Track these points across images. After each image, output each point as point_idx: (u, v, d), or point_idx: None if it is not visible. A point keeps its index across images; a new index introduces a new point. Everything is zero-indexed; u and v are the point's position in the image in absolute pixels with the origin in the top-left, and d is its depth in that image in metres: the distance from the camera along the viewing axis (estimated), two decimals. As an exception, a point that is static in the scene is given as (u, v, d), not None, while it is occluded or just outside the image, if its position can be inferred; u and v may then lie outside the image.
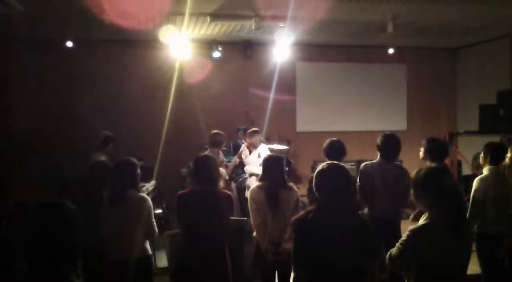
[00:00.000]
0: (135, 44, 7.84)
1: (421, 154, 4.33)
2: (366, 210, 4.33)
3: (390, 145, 4.25)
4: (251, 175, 5.74)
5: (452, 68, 9.45)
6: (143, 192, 4.17)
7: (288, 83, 8.63)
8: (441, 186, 2.40)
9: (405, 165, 4.98)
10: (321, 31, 7.33)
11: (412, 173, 2.59)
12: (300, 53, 8.34)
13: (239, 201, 5.76)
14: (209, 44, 7.89)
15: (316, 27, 7.03)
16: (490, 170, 3.95)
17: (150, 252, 3.52)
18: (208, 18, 6.32)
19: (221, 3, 5.72)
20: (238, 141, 7.02)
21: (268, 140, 7.69)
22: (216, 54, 7.84)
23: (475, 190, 3.93)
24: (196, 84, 7.94)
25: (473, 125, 7.54)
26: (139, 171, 3.53)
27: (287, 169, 6.96)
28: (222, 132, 5.60)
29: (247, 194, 3.99)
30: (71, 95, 7.66)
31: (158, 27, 6.52)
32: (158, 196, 6.22)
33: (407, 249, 2.36)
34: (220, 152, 5.69)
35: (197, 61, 7.88)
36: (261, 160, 6.05)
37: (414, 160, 8.10)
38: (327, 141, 4.41)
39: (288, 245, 3.03)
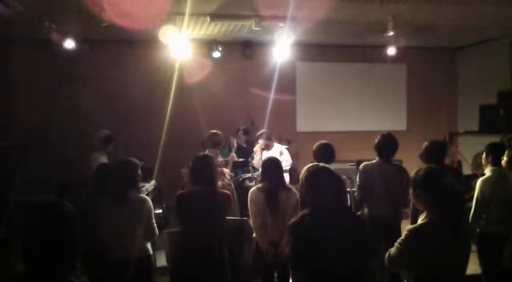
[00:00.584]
0: (135, 44, 7.84)
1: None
2: (366, 210, 4.34)
3: (388, 144, 4.26)
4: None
5: (452, 68, 9.45)
6: (143, 192, 4.18)
7: (288, 83, 8.63)
8: (440, 186, 2.40)
9: (405, 165, 5.00)
10: (321, 31, 7.33)
11: (412, 173, 2.59)
12: (300, 53, 8.34)
13: (238, 201, 5.76)
14: (209, 44, 7.89)
15: (316, 27, 7.03)
16: (493, 171, 3.93)
17: (150, 252, 3.52)
18: (208, 18, 6.32)
19: (221, 3, 5.72)
20: (239, 140, 7.03)
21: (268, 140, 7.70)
22: (216, 54, 7.84)
23: (480, 192, 3.90)
24: (196, 84, 7.94)
25: (473, 125, 7.55)
26: (140, 171, 3.53)
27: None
28: (220, 132, 5.61)
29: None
30: (71, 95, 7.66)
31: (158, 27, 6.52)
32: (158, 196, 6.21)
33: (406, 248, 2.36)
34: (219, 152, 5.70)
35: (197, 61, 7.88)
36: (283, 157, 6.27)
37: (414, 160, 8.10)
38: (318, 143, 4.38)
39: (287, 250, 3.04)
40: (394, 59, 8.65)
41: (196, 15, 6.27)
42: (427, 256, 2.32)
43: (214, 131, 5.62)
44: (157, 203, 6.05)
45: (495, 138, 5.48)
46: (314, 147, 4.37)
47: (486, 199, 3.86)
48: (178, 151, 7.06)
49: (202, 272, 3.26)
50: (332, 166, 4.90)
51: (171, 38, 6.63)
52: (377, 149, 4.30)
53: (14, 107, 7.56)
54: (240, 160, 6.70)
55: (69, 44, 6.97)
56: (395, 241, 2.44)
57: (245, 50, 8.38)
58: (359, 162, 5.91)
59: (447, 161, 7.09)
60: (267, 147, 6.47)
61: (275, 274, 3.82)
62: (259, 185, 3.75)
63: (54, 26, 6.41)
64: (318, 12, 6.03)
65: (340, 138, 7.82)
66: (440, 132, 7.58)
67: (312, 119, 8.80)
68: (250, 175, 6.84)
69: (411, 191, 2.52)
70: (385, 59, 8.59)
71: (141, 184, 4.29)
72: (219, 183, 3.74)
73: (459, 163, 7.74)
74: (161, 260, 5.11)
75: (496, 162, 3.95)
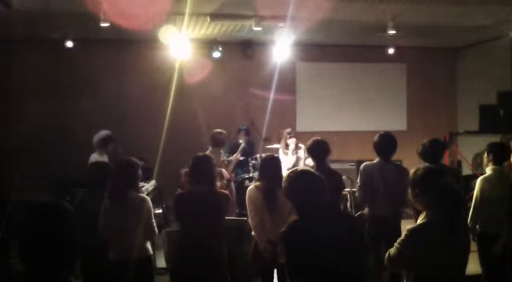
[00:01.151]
0: (135, 44, 7.84)
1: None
2: (366, 210, 4.34)
3: (386, 143, 4.26)
4: None
5: (452, 68, 9.45)
6: (143, 192, 4.18)
7: (288, 83, 8.63)
8: (439, 185, 2.40)
9: (405, 165, 4.99)
10: (321, 31, 7.33)
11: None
12: (300, 53, 8.34)
13: (237, 202, 5.76)
14: (209, 44, 7.89)
15: (316, 27, 7.03)
16: (494, 170, 3.92)
17: (150, 252, 3.52)
18: (208, 18, 6.32)
19: (221, 3, 5.72)
20: (239, 140, 7.02)
21: (268, 140, 7.70)
22: (216, 54, 7.84)
23: (479, 190, 3.90)
24: (196, 84, 7.94)
25: (473, 125, 7.55)
26: (140, 171, 3.53)
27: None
28: (224, 131, 5.61)
29: None
30: (71, 95, 7.66)
31: (158, 27, 6.52)
32: (158, 196, 6.21)
33: (406, 248, 2.36)
34: (222, 151, 5.70)
35: (197, 61, 7.88)
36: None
37: (414, 160, 8.10)
38: (311, 140, 4.36)
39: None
40: (394, 59, 8.67)
41: (196, 15, 6.27)
42: (427, 256, 2.31)
43: (219, 130, 5.62)
44: (157, 203, 6.05)
45: (495, 139, 5.48)
46: (308, 143, 4.35)
47: (486, 198, 3.86)
48: (178, 150, 7.06)
49: (202, 272, 3.26)
50: (333, 166, 4.95)
51: (171, 38, 6.64)
52: (375, 148, 4.31)
53: (14, 107, 7.56)
54: (241, 158, 6.69)
55: (69, 44, 6.98)
56: (395, 241, 2.44)
57: (245, 50, 8.38)
58: (359, 162, 5.91)
59: (447, 161, 7.10)
60: (297, 147, 6.43)
61: (275, 273, 3.82)
62: (257, 183, 3.75)
63: (54, 26, 6.41)
64: (318, 12, 6.02)
65: (340, 138, 7.83)
66: (440, 132, 7.57)
67: (312, 119, 8.79)
68: (251, 174, 6.83)
69: (409, 191, 2.52)
70: (385, 59, 8.60)
71: (141, 184, 4.29)
72: (218, 183, 3.73)
73: (459, 163, 7.74)
74: (161, 260, 5.10)
75: (496, 161, 3.95)
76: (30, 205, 1.69)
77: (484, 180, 3.92)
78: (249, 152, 7.12)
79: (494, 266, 3.85)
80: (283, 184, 2.57)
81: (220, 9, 6.00)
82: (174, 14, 6.12)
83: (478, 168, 6.97)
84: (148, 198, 3.50)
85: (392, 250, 2.44)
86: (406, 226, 2.47)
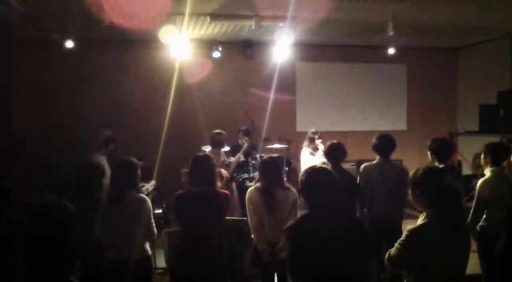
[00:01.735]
0: (135, 44, 7.84)
1: (429, 156, 4.33)
2: (366, 210, 4.35)
3: (384, 144, 4.28)
4: None
5: (452, 68, 9.45)
6: (143, 192, 4.17)
7: (288, 83, 8.63)
8: (439, 186, 2.40)
9: (405, 165, 4.99)
10: (321, 31, 7.33)
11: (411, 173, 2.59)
12: (300, 53, 8.34)
13: (239, 202, 5.75)
14: (209, 44, 7.89)
15: (316, 27, 7.03)
16: (493, 171, 3.92)
17: (149, 252, 3.52)
18: (208, 18, 6.32)
19: (221, 3, 5.72)
20: (240, 141, 7.02)
21: (268, 140, 7.70)
22: (216, 54, 7.83)
23: (481, 192, 3.89)
24: (196, 84, 7.94)
25: (473, 125, 7.54)
26: (139, 171, 3.53)
27: (287, 169, 7.02)
28: (223, 132, 5.60)
29: None
30: (71, 95, 7.67)
31: (158, 27, 6.52)
32: (158, 196, 6.21)
33: (406, 249, 2.36)
34: (222, 152, 5.69)
35: (197, 61, 7.88)
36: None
37: (414, 160, 8.12)
38: (328, 143, 4.52)
39: (284, 253, 3.02)
40: (394, 59, 8.66)
41: (196, 15, 6.27)
42: (427, 256, 2.32)
43: (219, 131, 5.61)
44: (157, 203, 6.05)
45: (495, 138, 5.48)
46: (325, 146, 4.54)
47: (486, 199, 3.85)
48: (178, 151, 7.06)
49: (201, 272, 3.26)
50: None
51: (171, 38, 6.63)
52: (374, 149, 4.33)
53: (15, 107, 7.56)
54: (242, 159, 6.69)
55: (69, 44, 6.97)
56: (396, 241, 2.44)
57: (245, 50, 8.38)
58: (359, 162, 5.91)
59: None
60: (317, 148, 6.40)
61: (275, 274, 3.82)
62: (257, 184, 3.75)
63: (54, 26, 6.41)
64: (318, 12, 6.03)
65: (340, 138, 7.79)
66: (440, 132, 7.56)
67: (312, 120, 8.78)
68: (251, 175, 6.83)
69: (410, 191, 2.52)
70: (385, 59, 8.60)
71: (141, 184, 4.29)
72: (218, 184, 3.73)
73: (459, 163, 7.73)
74: (161, 260, 5.10)
75: (495, 162, 3.95)
76: (30, 205, 1.69)
77: (484, 182, 3.91)
78: (249, 152, 7.11)
79: (494, 266, 3.85)
80: (299, 178, 2.56)
81: (220, 9, 6.00)
82: (174, 14, 6.12)
83: (478, 168, 6.97)
84: (148, 199, 3.49)
85: (392, 250, 2.44)
86: (406, 226, 2.47)
